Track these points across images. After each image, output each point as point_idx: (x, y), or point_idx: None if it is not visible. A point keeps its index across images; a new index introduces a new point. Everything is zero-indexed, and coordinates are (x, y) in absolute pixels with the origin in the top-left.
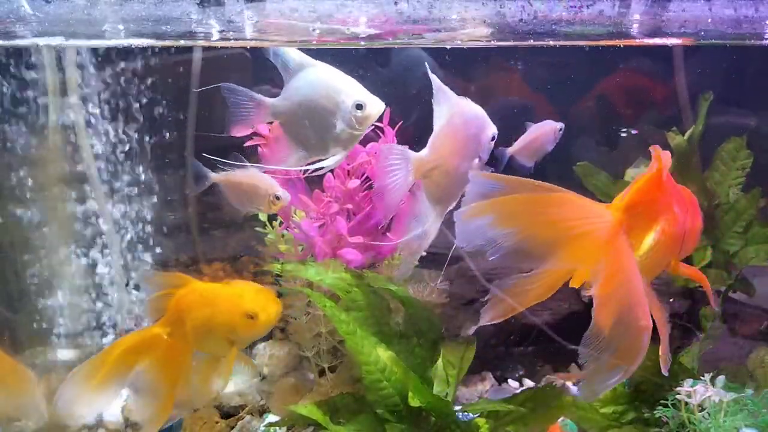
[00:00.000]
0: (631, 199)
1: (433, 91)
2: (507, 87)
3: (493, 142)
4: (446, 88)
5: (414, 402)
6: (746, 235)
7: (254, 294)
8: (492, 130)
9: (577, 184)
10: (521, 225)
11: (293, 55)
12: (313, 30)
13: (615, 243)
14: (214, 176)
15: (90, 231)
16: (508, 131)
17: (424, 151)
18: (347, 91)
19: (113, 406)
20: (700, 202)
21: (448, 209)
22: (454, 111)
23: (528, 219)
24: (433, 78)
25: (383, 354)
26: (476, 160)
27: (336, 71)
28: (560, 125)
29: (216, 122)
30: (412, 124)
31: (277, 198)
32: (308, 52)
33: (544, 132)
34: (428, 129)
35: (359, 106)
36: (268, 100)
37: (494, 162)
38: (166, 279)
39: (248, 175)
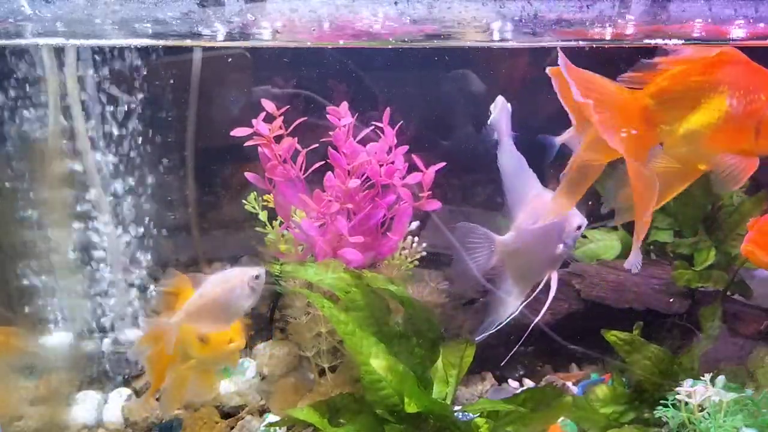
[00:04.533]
0: (658, 86)
1: (515, 176)
2: (504, 85)
3: (580, 231)
4: (529, 174)
5: (411, 408)
6: None
7: None
8: (578, 221)
9: None
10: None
11: None
12: (313, 30)
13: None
14: (175, 321)
15: (90, 230)
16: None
17: (509, 235)
18: None
19: (113, 406)
20: (704, 204)
21: (530, 288)
22: (538, 201)
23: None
24: (518, 164)
25: (377, 364)
26: (561, 246)
27: None
28: None
29: (216, 122)
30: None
31: (257, 277)
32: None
33: None
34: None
35: None
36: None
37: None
38: (174, 279)
39: (208, 291)
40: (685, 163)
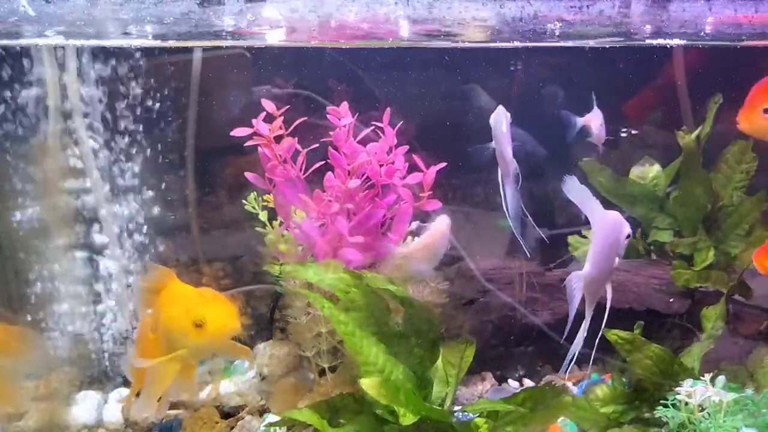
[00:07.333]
0: None
1: (585, 207)
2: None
3: (628, 239)
4: (593, 201)
5: (406, 420)
6: (749, 238)
7: (211, 304)
8: (627, 230)
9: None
10: None
11: None
12: (313, 29)
13: None
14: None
15: (90, 231)
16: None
17: (587, 267)
18: None
19: (113, 406)
20: (703, 204)
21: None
22: (601, 224)
23: None
24: (583, 192)
25: (366, 384)
26: (617, 258)
27: None
28: None
29: (215, 122)
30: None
31: None
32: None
33: None
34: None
35: None
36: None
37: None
38: (156, 272)
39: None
40: None
